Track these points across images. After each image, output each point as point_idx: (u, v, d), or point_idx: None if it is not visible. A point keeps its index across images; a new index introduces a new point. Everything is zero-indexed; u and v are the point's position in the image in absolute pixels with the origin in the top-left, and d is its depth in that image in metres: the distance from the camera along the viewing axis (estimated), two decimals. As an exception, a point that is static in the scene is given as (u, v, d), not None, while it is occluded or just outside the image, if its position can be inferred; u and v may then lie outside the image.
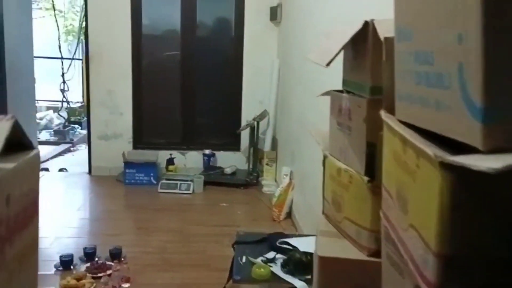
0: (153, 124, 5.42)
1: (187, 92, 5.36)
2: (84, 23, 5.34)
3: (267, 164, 4.91)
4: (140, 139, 5.34)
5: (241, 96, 5.36)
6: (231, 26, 5.34)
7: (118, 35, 5.10)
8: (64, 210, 4.23)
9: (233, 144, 5.40)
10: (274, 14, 4.99)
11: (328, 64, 1.34)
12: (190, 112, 5.41)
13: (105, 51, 5.09)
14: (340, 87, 1.65)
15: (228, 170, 5.02)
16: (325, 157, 1.59)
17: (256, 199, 4.59)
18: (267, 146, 4.99)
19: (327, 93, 1.66)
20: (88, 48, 5.13)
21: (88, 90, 5.20)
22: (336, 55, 1.33)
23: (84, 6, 5.20)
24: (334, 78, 1.92)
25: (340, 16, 2.63)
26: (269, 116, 5.00)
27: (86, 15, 5.13)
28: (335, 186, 1.48)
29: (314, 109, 3.25)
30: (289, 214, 3.99)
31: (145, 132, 5.37)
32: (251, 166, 5.06)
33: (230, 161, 5.24)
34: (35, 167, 0.74)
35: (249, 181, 4.92)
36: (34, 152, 0.72)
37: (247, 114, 5.24)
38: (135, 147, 5.29)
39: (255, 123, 4.98)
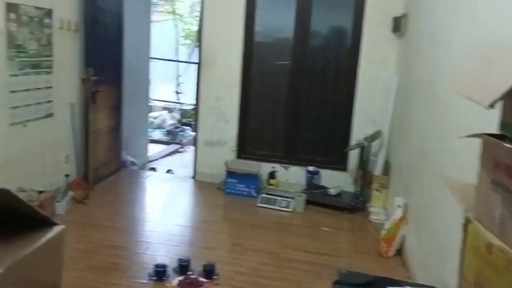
0: (258, 134, 5.28)
1: (294, 103, 5.14)
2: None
3: (376, 190, 4.48)
4: (243, 149, 5.23)
5: (352, 112, 4.99)
6: (348, 36, 5.00)
7: (230, 42, 5.04)
8: (165, 215, 4.24)
9: (340, 163, 5.05)
10: (398, 25, 4.54)
11: (492, 106, 0.99)
12: (296, 124, 5.17)
13: (216, 58, 5.06)
14: (486, 126, 1.27)
15: (332, 191, 4.68)
16: (467, 221, 1.23)
17: (362, 227, 4.20)
18: (378, 170, 4.55)
19: (476, 136, 1.28)
20: (201, 54, 5.13)
21: (198, 95, 5.21)
22: (507, 92, 0.97)
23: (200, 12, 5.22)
24: (475, 111, 1.53)
25: (493, 35, 2.15)
26: (382, 137, 4.57)
27: (201, 21, 5.15)
28: (481, 265, 1.11)
29: (440, 143, 2.80)
30: (399, 251, 3.55)
31: (249, 142, 5.25)
32: (358, 189, 4.68)
33: (335, 181, 4.91)
34: (55, 251, 0.52)
35: (354, 205, 4.54)
36: (50, 234, 0.49)
37: (358, 132, 4.86)
38: (239, 156, 5.19)
39: (366, 143, 4.58)
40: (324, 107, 5.15)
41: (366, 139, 4.61)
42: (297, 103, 5.12)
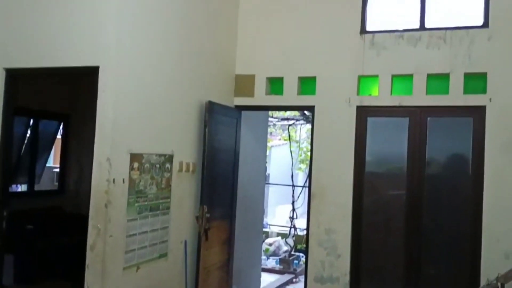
0: (373, 270, 4.92)
1: (413, 235, 4.75)
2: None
3: None
4: (358, 285, 4.86)
5: (480, 245, 4.45)
6: (468, 163, 4.66)
7: (340, 173, 4.97)
8: None
9: (470, 304, 4.42)
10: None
11: None
12: (415, 259, 4.73)
13: (326, 190, 5.01)
14: None
15: None
16: None
17: None
18: (516, 319, 3.84)
19: None
20: (310, 185, 5.13)
21: (308, 228, 5.11)
22: None
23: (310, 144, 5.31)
24: None
25: None
26: (519, 279, 3.92)
27: (311, 153, 5.22)
28: None
29: None
30: None
31: (363, 278, 4.89)
32: None
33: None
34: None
35: None
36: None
37: (488, 268, 4.26)
38: (353, 294, 4.83)
39: (499, 284, 3.94)
40: (447, 239, 4.70)
41: (498, 279, 3.98)
42: (416, 235, 4.74)
